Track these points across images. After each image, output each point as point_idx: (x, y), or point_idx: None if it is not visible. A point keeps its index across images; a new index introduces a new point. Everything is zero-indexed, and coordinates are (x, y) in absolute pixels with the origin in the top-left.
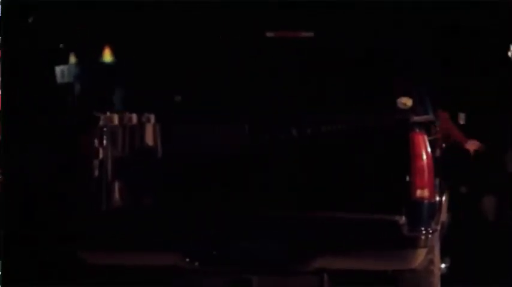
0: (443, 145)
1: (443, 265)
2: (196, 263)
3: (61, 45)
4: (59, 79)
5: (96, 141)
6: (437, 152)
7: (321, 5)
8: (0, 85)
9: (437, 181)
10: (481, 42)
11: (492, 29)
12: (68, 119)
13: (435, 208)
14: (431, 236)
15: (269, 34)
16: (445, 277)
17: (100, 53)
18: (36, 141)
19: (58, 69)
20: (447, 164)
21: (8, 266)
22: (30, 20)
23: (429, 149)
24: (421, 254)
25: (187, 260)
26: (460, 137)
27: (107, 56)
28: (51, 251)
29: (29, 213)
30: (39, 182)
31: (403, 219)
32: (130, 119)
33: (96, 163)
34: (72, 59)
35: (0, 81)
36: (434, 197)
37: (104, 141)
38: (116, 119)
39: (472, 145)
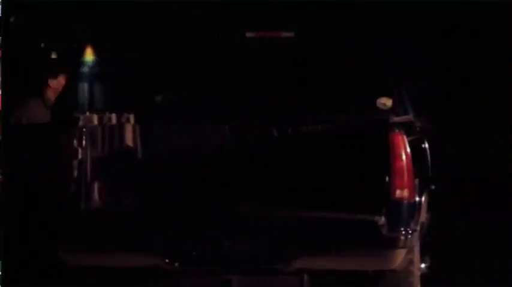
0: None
1: (423, 265)
2: (176, 264)
3: (42, 45)
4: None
5: (75, 141)
6: (417, 153)
7: (301, 4)
8: (0, 85)
9: (416, 181)
10: (480, 42)
11: (492, 29)
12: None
13: (415, 208)
14: (411, 236)
15: (249, 34)
16: (425, 277)
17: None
18: (35, 141)
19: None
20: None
21: (8, 266)
22: (12, 20)
23: (409, 150)
24: (400, 255)
25: (167, 260)
26: None
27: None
28: (51, 251)
29: (29, 213)
30: (37, 182)
31: (382, 219)
32: (110, 119)
33: (75, 163)
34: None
35: (0, 81)
36: (413, 197)
37: (83, 142)
38: (96, 119)
39: None
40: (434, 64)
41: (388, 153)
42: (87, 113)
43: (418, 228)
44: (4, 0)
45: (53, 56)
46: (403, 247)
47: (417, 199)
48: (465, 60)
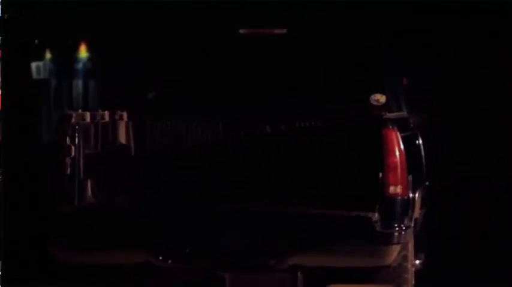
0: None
1: (417, 261)
2: (170, 261)
3: (36, 41)
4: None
5: (68, 138)
6: (411, 149)
7: (294, 1)
8: (0, 85)
9: (410, 177)
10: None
11: (492, 28)
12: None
13: (408, 204)
14: (405, 232)
15: (242, 31)
16: (419, 272)
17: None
18: (36, 140)
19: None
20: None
21: (8, 266)
22: (5, 17)
23: (402, 146)
24: (394, 251)
25: (160, 258)
26: None
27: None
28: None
29: (28, 213)
30: (34, 180)
31: (376, 216)
32: (103, 116)
33: (67, 160)
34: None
35: (0, 81)
36: (407, 193)
37: (76, 139)
38: (88, 116)
39: None
40: (430, 61)
41: (381, 149)
42: (80, 111)
43: (412, 224)
44: (4, 0)
45: (46, 54)
46: (397, 243)
47: (411, 195)
48: (462, 57)
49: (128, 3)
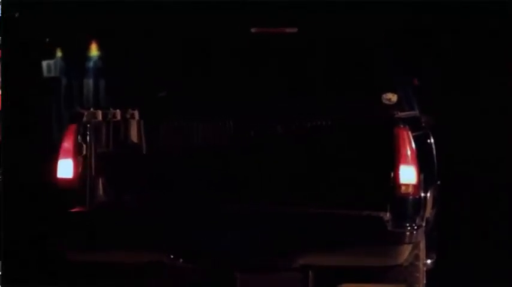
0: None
1: (429, 261)
2: (181, 260)
3: (47, 40)
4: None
5: (79, 137)
6: (423, 148)
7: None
8: (0, 85)
9: (422, 176)
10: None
11: (492, 28)
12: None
13: (420, 203)
14: (416, 232)
15: (253, 30)
16: (430, 272)
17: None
18: (36, 140)
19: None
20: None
21: (8, 266)
22: (16, 15)
23: (414, 145)
24: (406, 250)
25: (172, 257)
26: None
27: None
28: (52, 251)
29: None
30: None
31: (388, 215)
32: (115, 115)
33: (79, 159)
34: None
35: (0, 81)
36: (419, 193)
37: (88, 137)
38: (100, 115)
39: None
40: (439, 60)
41: (393, 148)
42: (91, 109)
43: (424, 223)
44: (4, 0)
45: (56, 53)
46: (409, 243)
47: (423, 194)
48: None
49: (128, 3)
